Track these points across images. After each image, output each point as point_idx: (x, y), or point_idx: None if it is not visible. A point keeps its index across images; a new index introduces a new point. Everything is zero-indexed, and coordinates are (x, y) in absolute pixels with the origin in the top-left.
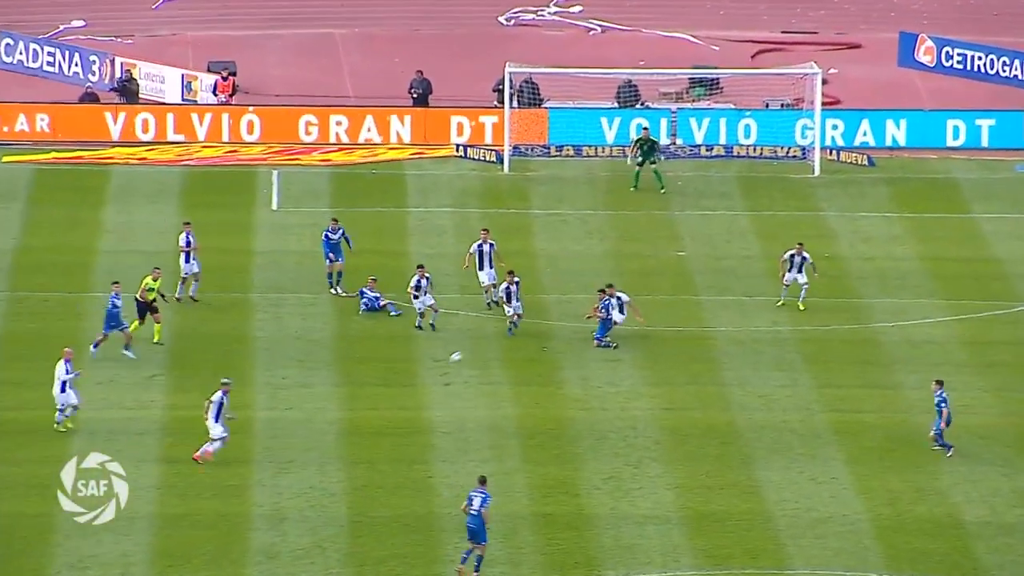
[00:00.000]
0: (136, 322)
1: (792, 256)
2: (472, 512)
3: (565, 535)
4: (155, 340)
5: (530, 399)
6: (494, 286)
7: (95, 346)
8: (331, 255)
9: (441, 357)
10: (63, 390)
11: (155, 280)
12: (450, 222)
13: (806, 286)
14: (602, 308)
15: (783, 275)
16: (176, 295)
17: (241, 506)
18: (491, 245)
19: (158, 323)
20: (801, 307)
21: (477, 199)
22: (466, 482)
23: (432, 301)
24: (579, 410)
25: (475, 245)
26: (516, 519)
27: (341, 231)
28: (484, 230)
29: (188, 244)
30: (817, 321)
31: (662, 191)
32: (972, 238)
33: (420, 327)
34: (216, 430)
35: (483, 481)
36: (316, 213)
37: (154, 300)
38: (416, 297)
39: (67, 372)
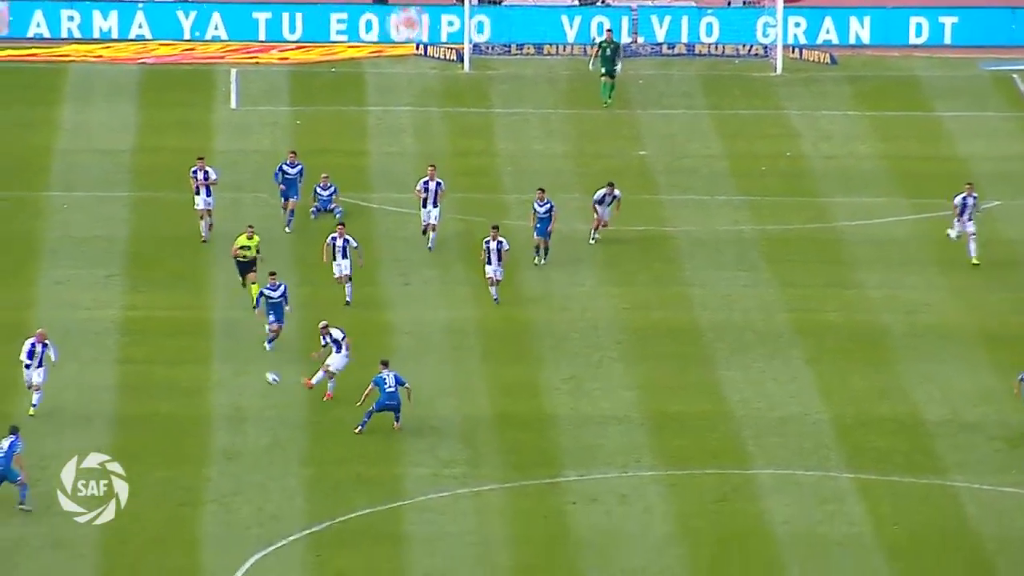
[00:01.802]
0: (241, 281)
1: (964, 199)
2: (390, 390)
3: (526, 436)
4: (253, 305)
5: (491, 300)
6: (433, 227)
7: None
8: (287, 192)
9: (403, 258)
10: (28, 368)
11: (249, 238)
12: (410, 122)
13: (974, 236)
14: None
15: (953, 222)
16: (203, 237)
17: (201, 407)
18: (438, 183)
19: (253, 283)
20: (975, 261)
21: (437, 98)
22: (425, 382)
23: (348, 271)
24: (540, 311)
25: (421, 182)
26: (476, 420)
27: (300, 167)
28: (431, 166)
29: (206, 178)
30: (779, 220)
31: (607, 103)
32: (934, 137)
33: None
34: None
35: (386, 363)
36: (276, 112)
37: (253, 259)
38: (334, 260)
39: (29, 356)
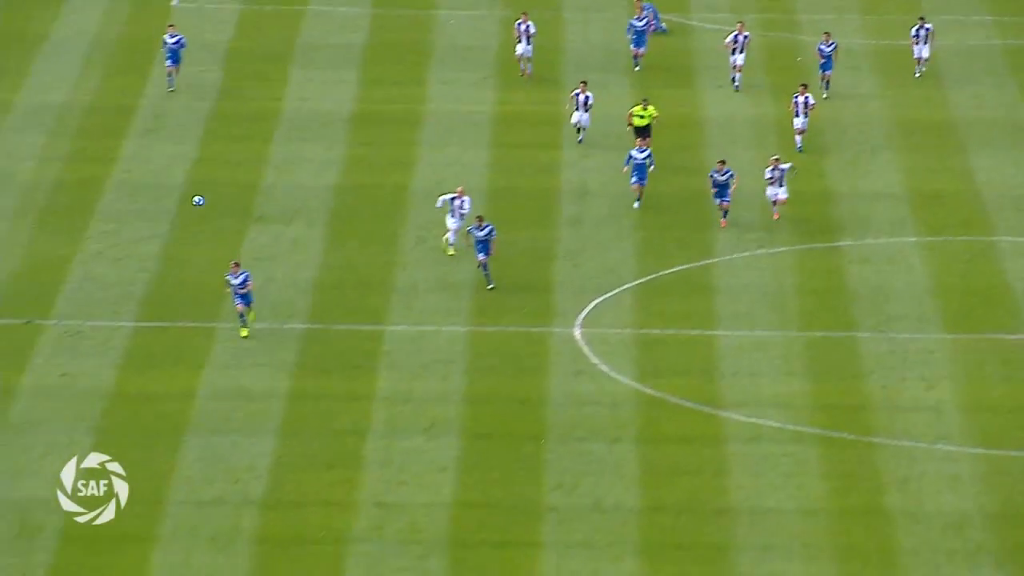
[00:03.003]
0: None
1: None
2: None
3: (811, 208)
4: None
5: (786, 100)
6: (739, 69)
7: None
8: (636, 41)
9: (715, 66)
10: (453, 216)
11: (644, 108)
12: None
13: None
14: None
15: None
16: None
17: (553, 182)
18: (746, 36)
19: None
20: None
21: None
22: (737, 165)
23: (587, 123)
24: (824, 110)
25: (731, 35)
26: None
27: (646, 19)
28: (740, 22)
29: (527, 30)
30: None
31: None
32: None
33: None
34: (777, 192)
35: (724, 161)
36: None
37: (645, 127)
38: (576, 110)
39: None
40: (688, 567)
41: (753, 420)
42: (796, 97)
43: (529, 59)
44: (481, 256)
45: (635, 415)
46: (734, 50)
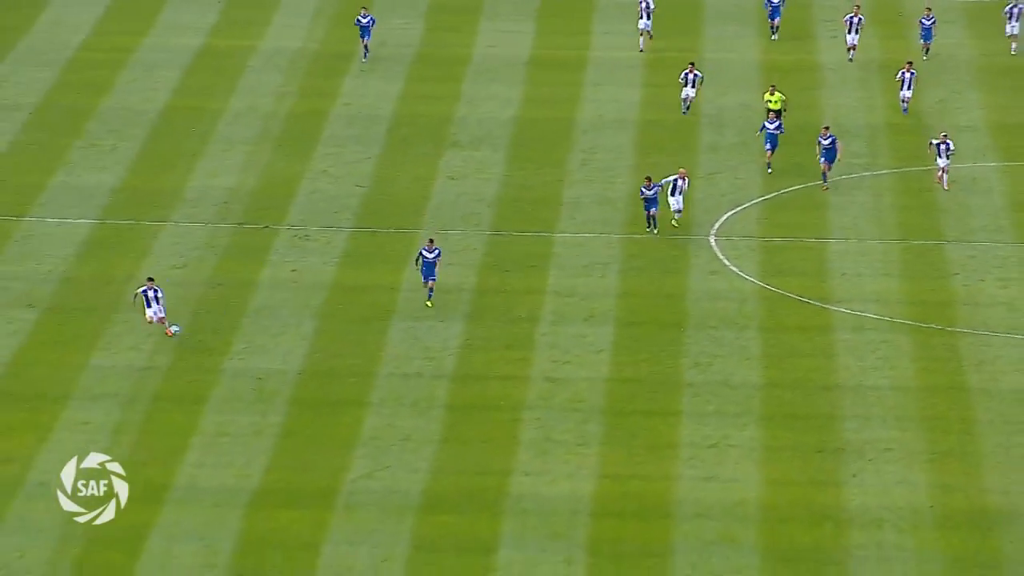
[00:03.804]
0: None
1: None
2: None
3: (907, 138)
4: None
5: (889, 50)
6: (853, 48)
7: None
8: (772, 13)
9: (830, 20)
10: (673, 194)
11: (772, 94)
12: None
13: None
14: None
15: None
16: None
17: (694, 115)
18: (860, 19)
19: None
20: None
21: None
22: (846, 103)
23: (694, 95)
24: (921, 60)
25: (847, 16)
26: (875, 127)
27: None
28: (857, 6)
29: (648, 7)
30: None
31: None
32: None
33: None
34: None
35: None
36: None
37: (777, 111)
38: (684, 86)
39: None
40: (801, 433)
41: (856, 313)
42: (903, 73)
43: (649, 33)
44: (654, 210)
45: (759, 308)
46: (849, 28)
